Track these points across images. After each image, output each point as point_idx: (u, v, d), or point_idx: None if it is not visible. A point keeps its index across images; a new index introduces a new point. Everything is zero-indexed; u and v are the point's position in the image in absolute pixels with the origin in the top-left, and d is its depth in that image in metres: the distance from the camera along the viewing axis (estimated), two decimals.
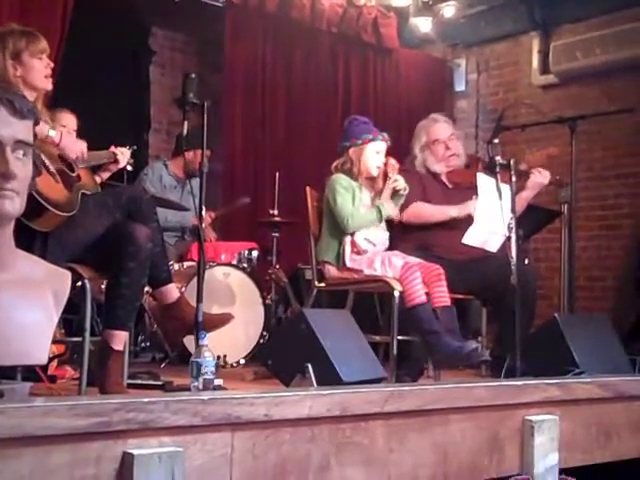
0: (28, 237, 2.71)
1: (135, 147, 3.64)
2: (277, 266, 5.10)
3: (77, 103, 4.11)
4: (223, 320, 3.38)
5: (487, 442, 2.43)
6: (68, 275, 2.06)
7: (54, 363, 3.51)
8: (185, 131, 3.51)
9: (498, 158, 3.48)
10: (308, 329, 2.96)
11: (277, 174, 5.30)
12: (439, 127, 4.29)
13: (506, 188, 3.47)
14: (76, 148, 3.08)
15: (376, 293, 4.53)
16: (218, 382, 2.93)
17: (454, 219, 4.00)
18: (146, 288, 3.29)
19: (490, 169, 3.59)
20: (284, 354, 3.07)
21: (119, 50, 6.25)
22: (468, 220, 3.86)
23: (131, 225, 2.97)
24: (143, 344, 4.81)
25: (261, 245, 5.10)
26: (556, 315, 3.49)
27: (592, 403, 2.74)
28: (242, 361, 4.50)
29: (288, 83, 6.38)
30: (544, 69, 6.53)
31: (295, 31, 6.36)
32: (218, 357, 3.90)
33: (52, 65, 3.12)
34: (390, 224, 4.02)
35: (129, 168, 3.56)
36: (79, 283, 2.87)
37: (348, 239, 3.83)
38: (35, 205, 2.69)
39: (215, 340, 3.12)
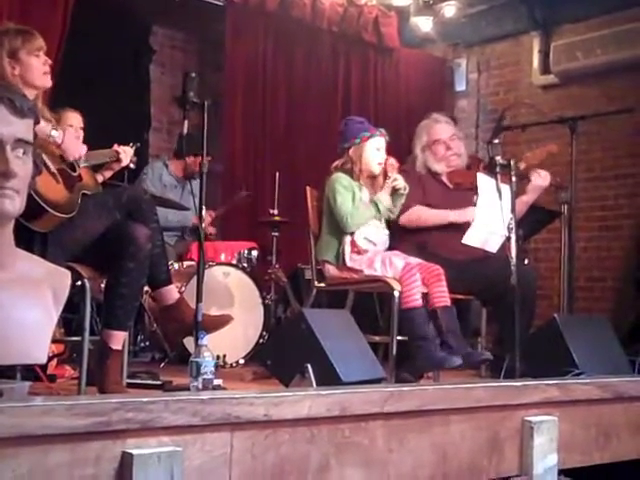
0: (28, 237, 2.71)
1: (139, 144, 3.64)
2: (277, 266, 5.10)
3: (77, 102, 4.11)
4: (223, 321, 3.38)
5: (486, 443, 2.42)
6: (68, 274, 2.06)
7: (53, 362, 3.51)
8: (185, 130, 3.51)
9: (498, 158, 3.48)
10: (308, 329, 2.96)
11: (277, 173, 5.30)
12: (440, 127, 4.29)
13: (506, 188, 3.47)
14: (76, 150, 3.08)
15: (376, 293, 4.53)
16: (217, 382, 2.93)
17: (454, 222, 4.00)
18: (145, 288, 3.29)
19: (490, 169, 3.59)
20: (283, 354, 3.07)
21: (119, 49, 6.24)
22: (466, 222, 3.87)
23: (131, 225, 2.97)
24: (142, 344, 4.81)
25: (261, 245, 5.10)
26: (556, 316, 3.49)
27: (591, 404, 2.74)
28: (241, 361, 4.50)
29: (288, 82, 6.38)
30: (544, 69, 6.53)
31: (296, 30, 6.35)
32: (217, 357, 3.91)
33: (50, 62, 3.11)
34: (390, 224, 4.02)
35: (132, 166, 3.56)
36: (79, 282, 2.87)
37: (348, 239, 3.83)
38: (34, 206, 2.68)
39: (214, 340, 3.12)
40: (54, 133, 3.00)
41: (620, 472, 2.97)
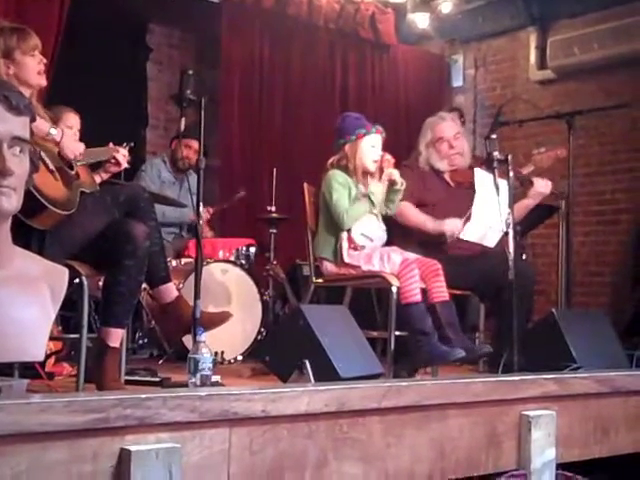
0: (25, 234, 2.72)
1: (132, 144, 3.63)
2: (275, 262, 5.10)
3: (74, 100, 4.10)
4: (221, 318, 3.38)
5: (484, 437, 2.43)
6: (65, 272, 2.06)
7: (52, 360, 3.51)
8: (182, 127, 3.51)
9: (496, 153, 3.48)
10: (306, 325, 2.97)
11: (274, 170, 5.30)
12: (445, 125, 4.29)
13: (503, 183, 3.48)
14: (75, 149, 3.08)
15: (374, 289, 4.53)
16: (216, 378, 2.94)
17: (450, 212, 3.99)
18: (144, 285, 3.29)
19: (488, 165, 3.60)
20: (282, 350, 3.07)
21: (116, 47, 6.24)
22: (441, 234, 3.89)
23: (129, 223, 2.97)
24: (141, 341, 4.81)
25: (259, 241, 5.10)
26: (553, 310, 3.50)
27: (589, 398, 2.75)
28: (240, 357, 4.50)
29: (285, 79, 6.38)
30: (541, 64, 6.53)
31: (292, 27, 6.36)
32: (216, 353, 3.91)
33: (45, 61, 3.10)
34: (388, 219, 4.02)
35: (127, 166, 3.56)
36: (77, 280, 2.88)
37: (345, 235, 3.82)
38: (34, 203, 2.69)
39: (213, 336, 3.13)
40: (52, 131, 3.00)
41: (618, 466, 2.97)
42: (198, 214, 3.38)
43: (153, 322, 4.31)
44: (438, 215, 4.05)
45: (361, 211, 3.84)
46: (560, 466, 2.62)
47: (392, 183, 3.89)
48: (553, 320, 3.38)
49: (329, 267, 3.88)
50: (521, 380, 2.58)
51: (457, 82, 7.24)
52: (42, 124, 2.91)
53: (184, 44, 7.15)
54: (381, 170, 3.91)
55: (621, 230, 6.03)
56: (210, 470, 1.85)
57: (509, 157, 3.48)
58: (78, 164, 3.16)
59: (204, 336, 2.88)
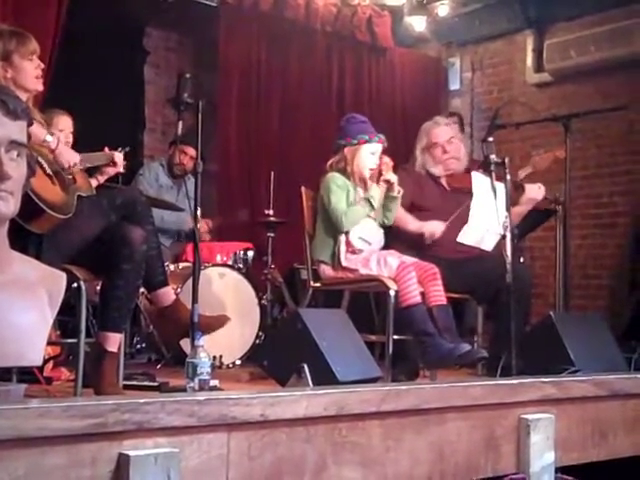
0: (23, 239, 2.71)
1: (127, 149, 3.63)
2: (272, 266, 5.10)
3: (71, 103, 4.10)
4: (219, 322, 3.38)
5: (483, 441, 2.43)
6: (63, 276, 2.06)
7: (50, 365, 3.51)
8: (180, 131, 3.51)
9: (493, 157, 3.48)
10: (304, 329, 2.96)
11: (272, 174, 5.29)
12: (439, 130, 4.30)
13: (501, 186, 3.48)
14: (69, 158, 3.07)
15: (372, 292, 4.53)
16: (214, 383, 2.93)
17: (448, 216, 3.99)
18: (141, 290, 3.29)
19: (485, 168, 3.60)
20: (280, 354, 3.07)
21: (113, 50, 6.24)
22: (464, 219, 3.86)
23: (126, 227, 2.97)
24: (139, 345, 4.81)
25: (256, 245, 5.09)
26: (551, 313, 3.50)
27: (588, 401, 2.74)
28: (238, 362, 4.50)
29: (283, 82, 6.38)
30: (538, 67, 6.54)
31: (289, 30, 6.36)
32: (214, 358, 3.90)
33: (42, 66, 3.10)
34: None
35: (122, 170, 3.55)
36: (74, 285, 2.87)
37: (343, 238, 3.82)
38: (32, 207, 2.69)
39: (211, 341, 3.12)
40: (48, 138, 3.00)
41: (616, 469, 2.97)
42: (196, 217, 3.38)
43: (151, 326, 4.31)
44: (433, 220, 4.06)
45: (360, 214, 3.84)
46: (559, 470, 2.62)
47: (389, 187, 3.90)
48: (551, 323, 3.38)
49: (327, 271, 3.88)
50: (519, 383, 2.58)
51: (454, 85, 7.25)
52: (38, 130, 2.91)
53: (181, 47, 7.15)
54: (379, 174, 3.92)
55: (619, 233, 6.03)
56: (208, 475, 1.85)
57: (506, 160, 3.48)
58: (75, 169, 3.16)
59: (202, 340, 2.87)
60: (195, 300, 3.20)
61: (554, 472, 2.55)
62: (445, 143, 4.26)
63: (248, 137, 6.17)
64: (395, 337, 3.63)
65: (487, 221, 3.65)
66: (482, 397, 2.41)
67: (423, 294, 3.67)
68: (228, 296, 4.59)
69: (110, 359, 2.93)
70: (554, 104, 6.15)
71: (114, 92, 6.23)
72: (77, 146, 3.36)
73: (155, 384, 3.32)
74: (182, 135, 3.61)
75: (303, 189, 4.09)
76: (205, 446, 1.84)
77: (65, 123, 3.83)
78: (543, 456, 2.50)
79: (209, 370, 2.81)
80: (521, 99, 6.23)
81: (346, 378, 2.87)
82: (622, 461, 2.90)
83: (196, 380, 2.77)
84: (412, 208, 4.14)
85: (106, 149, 3.46)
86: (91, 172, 3.41)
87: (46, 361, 3.36)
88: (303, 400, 2.00)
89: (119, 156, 3.43)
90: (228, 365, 4.43)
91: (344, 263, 3.81)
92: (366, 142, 3.88)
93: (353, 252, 3.83)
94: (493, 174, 3.49)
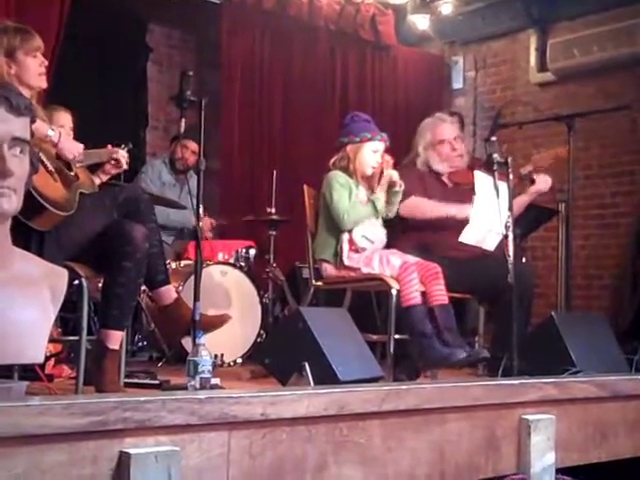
0: (25, 236, 2.71)
1: (131, 146, 3.62)
2: (274, 264, 5.09)
3: (74, 100, 4.10)
4: (221, 321, 3.38)
5: (484, 441, 2.42)
6: (65, 273, 2.06)
7: (51, 362, 3.51)
8: (182, 129, 3.51)
9: (495, 156, 3.48)
10: (305, 328, 2.96)
11: (274, 172, 5.29)
12: (446, 127, 4.27)
13: (503, 186, 3.47)
14: (73, 149, 3.07)
15: (373, 292, 4.53)
16: (215, 381, 2.93)
17: (452, 218, 3.99)
18: (143, 287, 3.29)
19: (488, 167, 3.59)
20: (281, 353, 3.07)
21: (116, 47, 6.24)
22: (466, 219, 3.86)
23: (128, 224, 2.97)
24: (140, 343, 4.81)
25: (258, 243, 5.09)
26: (553, 314, 3.49)
27: (589, 402, 2.74)
28: (239, 360, 4.50)
29: (286, 80, 6.38)
30: (541, 66, 6.53)
31: (293, 28, 6.36)
32: (215, 356, 3.89)
33: (46, 63, 3.09)
34: (388, 222, 4.01)
35: (125, 167, 3.55)
36: (76, 282, 2.87)
37: (345, 237, 3.82)
38: (34, 204, 2.68)
39: (212, 339, 3.12)
40: (50, 133, 2.99)
41: (617, 470, 2.97)
42: (198, 214, 3.38)
43: (152, 324, 4.31)
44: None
45: (362, 214, 3.84)
46: (559, 470, 2.61)
47: (391, 184, 3.89)
48: (552, 323, 3.37)
49: (329, 269, 3.87)
50: (521, 384, 2.58)
51: (457, 84, 7.24)
52: (41, 126, 2.91)
53: (184, 45, 7.14)
54: (381, 172, 3.91)
55: (621, 233, 6.02)
56: (209, 473, 1.85)
57: (509, 159, 3.48)
58: (77, 166, 3.15)
59: (203, 338, 2.87)
60: (197, 298, 3.20)
61: (554, 473, 2.55)
62: (453, 140, 4.23)
63: (251, 135, 6.17)
64: (396, 337, 3.63)
65: (489, 221, 3.65)
66: (483, 397, 2.41)
67: (425, 293, 3.67)
68: (230, 294, 4.59)
69: (111, 357, 2.93)
70: (557, 103, 6.15)
71: (117, 89, 6.23)
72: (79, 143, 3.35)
73: (156, 382, 3.32)
74: (185, 131, 3.60)
75: (305, 187, 4.09)
76: (206, 445, 1.84)
77: (65, 119, 3.83)
78: (544, 457, 2.50)
79: (210, 368, 2.81)
80: (524, 98, 6.23)
81: (347, 377, 2.86)
82: (623, 462, 2.90)
83: (197, 378, 2.76)
84: None
85: (109, 146, 3.46)
86: (93, 170, 3.41)
87: (47, 358, 3.35)
88: (304, 399, 2.00)
89: (123, 153, 3.43)
90: (229, 363, 4.43)
91: (346, 262, 3.81)
92: (369, 140, 3.88)
93: (356, 251, 3.82)
94: (496, 173, 3.48)
